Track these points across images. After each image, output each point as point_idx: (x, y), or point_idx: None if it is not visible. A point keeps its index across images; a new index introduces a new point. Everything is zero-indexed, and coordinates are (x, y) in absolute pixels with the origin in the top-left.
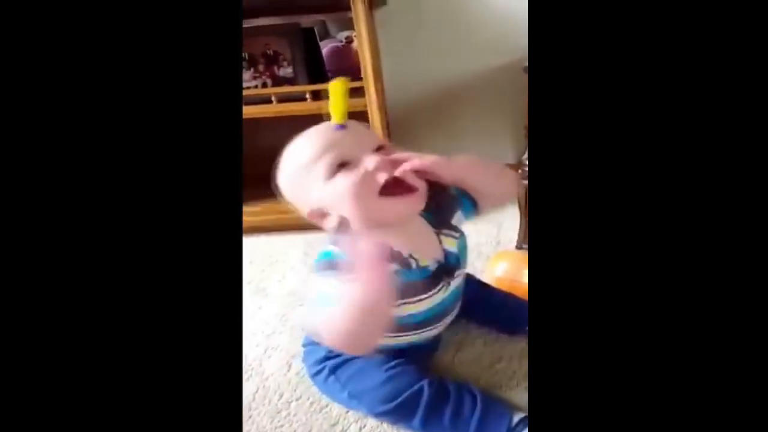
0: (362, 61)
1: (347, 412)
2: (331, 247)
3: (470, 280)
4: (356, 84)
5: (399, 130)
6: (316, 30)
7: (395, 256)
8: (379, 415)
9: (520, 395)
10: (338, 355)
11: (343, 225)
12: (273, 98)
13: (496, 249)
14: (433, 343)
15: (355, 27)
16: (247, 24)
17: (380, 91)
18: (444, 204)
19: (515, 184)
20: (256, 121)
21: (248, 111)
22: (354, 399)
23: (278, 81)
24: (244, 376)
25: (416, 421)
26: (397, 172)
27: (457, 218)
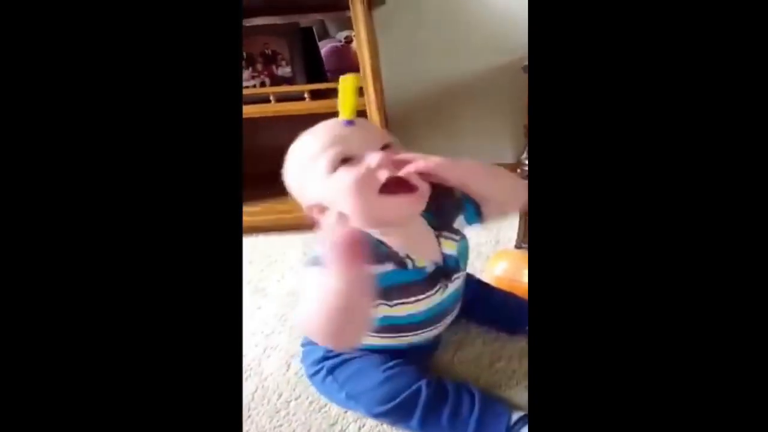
0: (361, 60)
1: (346, 411)
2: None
3: (470, 279)
4: None
5: (398, 130)
6: (314, 29)
7: (392, 256)
8: (377, 415)
9: (519, 394)
10: (336, 356)
11: (341, 221)
12: (271, 98)
13: (495, 248)
14: (433, 344)
15: (354, 27)
16: (245, 23)
17: (379, 91)
18: (446, 206)
19: (523, 193)
20: (254, 121)
21: (246, 110)
22: (352, 400)
23: (277, 80)
24: (243, 376)
25: (414, 421)
26: (402, 173)
27: (460, 222)
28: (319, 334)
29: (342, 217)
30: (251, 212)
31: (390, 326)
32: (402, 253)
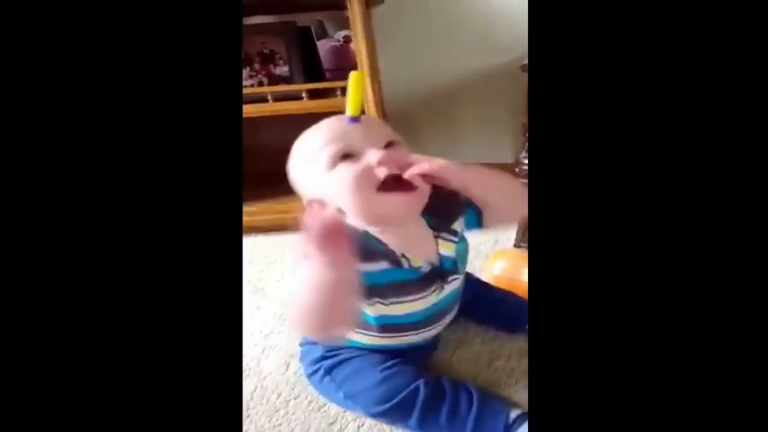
0: (359, 59)
1: (345, 411)
2: None
3: (469, 279)
4: None
5: (396, 128)
6: (313, 29)
7: (388, 254)
8: (375, 415)
9: (518, 393)
10: (334, 356)
11: (338, 216)
12: (269, 97)
13: (494, 248)
14: (432, 344)
15: (351, 26)
16: (243, 22)
17: (377, 90)
18: (447, 208)
19: (525, 204)
20: (251, 121)
21: (244, 110)
22: (349, 399)
23: (274, 80)
24: (243, 375)
25: (413, 421)
26: (406, 175)
27: (460, 224)
28: (303, 326)
29: (340, 213)
30: (249, 212)
31: (387, 326)
32: (398, 252)
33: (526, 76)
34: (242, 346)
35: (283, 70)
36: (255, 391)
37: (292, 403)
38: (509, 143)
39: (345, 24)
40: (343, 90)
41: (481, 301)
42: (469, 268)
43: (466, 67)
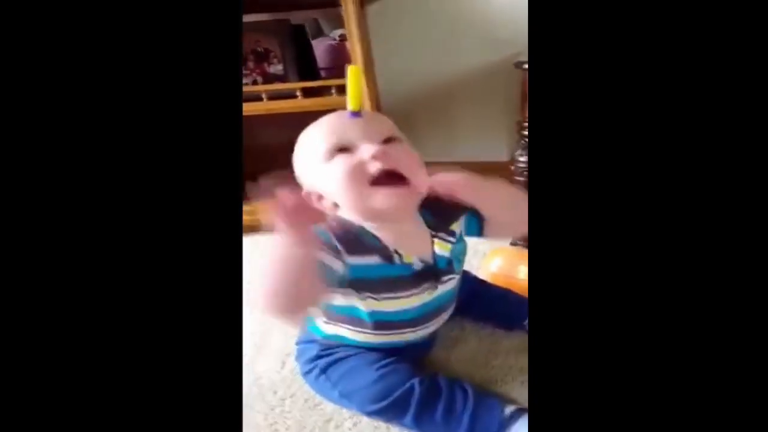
0: (353, 57)
1: (341, 408)
2: (322, 227)
3: (467, 277)
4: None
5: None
6: (307, 27)
7: (380, 249)
8: (371, 414)
9: (515, 390)
10: (329, 354)
11: (336, 210)
12: (263, 96)
13: (491, 245)
14: (429, 342)
15: (345, 24)
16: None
17: (373, 88)
18: (447, 208)
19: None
20: (246, 119)
21: None
22: (345, 398)
23: (268, 78)
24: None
25: (408, 418)
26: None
27: (460, 225)
28: (268, 306)
29: (336, 206)
30: (245, 211)
31: (381, 323)
32: (391, 248)
33: (519, 73)
34: (242, 344)
35: (277, 68)
36: (251, 389)
37: (288, 401)
38: (504, 141)
39: (340, 22)
40: (339, 88)
41: (479, 299)
42: (466, 266)
43: (463, 64)
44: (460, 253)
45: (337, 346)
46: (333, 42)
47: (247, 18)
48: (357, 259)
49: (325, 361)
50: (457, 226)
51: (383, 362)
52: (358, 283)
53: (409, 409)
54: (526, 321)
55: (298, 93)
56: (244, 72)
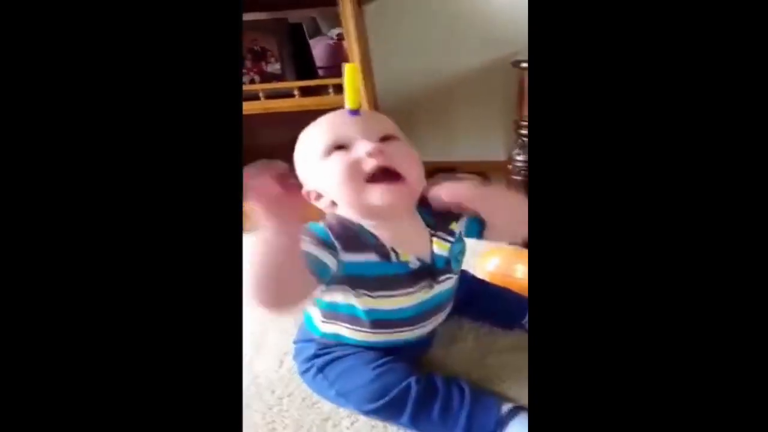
0: (351, 56)
1: (338, 407)
2: (321, 223)
3: (465, 276)
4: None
5: None
6: (305, 26)
7: (377, 247)
8: (368, 413)
9: (512, 389)
10: (327, 353)
11: (334, 208)
12: (261, 95)
13: (488, 245)
14: (427, 341)
15: (343, 23)
16: None
17: (370, 87)
18: (447, 209)
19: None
20: (243, 118)
21: None
22: (342, 397)
23: (266, 77)
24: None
25: (405, 418)
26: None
27: (460, 225)
28: (254, 296)
29: (333, 204)
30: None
31: (378, 321)
32: (388, 246)
33: (516, 72)
34: (242, 342)
35: (274, 67)
36: (249, 388)
37: (285, 400)
38: (502, 140)
39: (338, 21)
40: (336, 87)
41: (478, 298)
42: (464, 266)
43: (461, 64)
44: (458, 253)
45: (335, 345)
46: (331, 41)
47: (245, 16)
48: (353, 255)
49: (322, 360)
50: (457, 226)
51: (380, 361)
52: (354, 280)
53: (405, 408)
54: (526, 319)
55: (296, 92)
56: (242, 71)
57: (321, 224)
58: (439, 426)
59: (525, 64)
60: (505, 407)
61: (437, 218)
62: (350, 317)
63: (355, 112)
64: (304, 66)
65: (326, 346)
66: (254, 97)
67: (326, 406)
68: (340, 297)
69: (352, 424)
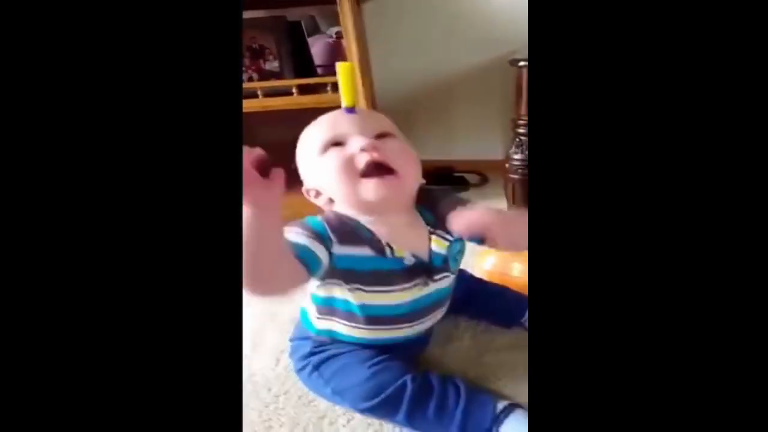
0: (349, 55)
1: (335, 405)
2: (319, 217)
3: (464, 275)
4: None
5: None
6: (304, 24)
7: (373, 242)
8: (363, 411)
9: (508, 387)
10: (322, 351)
11: (332, 205)
12: (259, 93)
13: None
14: (424, 338)
15: (341, 21)
16: None
17: (369, 85)
18: (447, 209)
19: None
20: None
21: None
22: (337, 395)
23: (264, 75)
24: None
25: (401, 416)
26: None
27: None
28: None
29: (331, 201)
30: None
31: (372, 317)
32: (383, 241)
33: (514, 70)
34: (242, 340)
35: (273, 65)
36: (246, 386)
37: (282, 398)
38: (500, 139)
39: (337, 19)
40: (334, 85)
41: (476, 297)
42: (461, 264)
43: (460, 63)
44: (457, 252)
45: (330, 343)
46: (329, 39)
47: (244, 14)
48: (348, 249)
49: (318, 357)
50: None
51: (375, 359)
52: (348, 274)
53: (401, 406)
54: (525, 318)
55: (294, 90)
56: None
57: (318, 218)
58: (434, 424)
59: (522, 63)
60: (501, 404)
61: (437, 216)
62: (345, 313)
63: (351, 110)
64: (302, 64)
65: (322, 344)
66: (252, 95)
67: (322, 404)
68: (335, 292)
69: (348, 422)
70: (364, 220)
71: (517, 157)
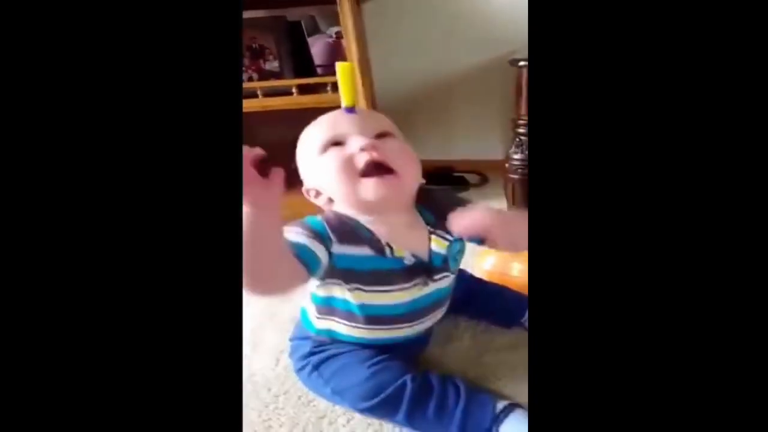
0: (349, 55)
1: (334, 405)
2: (319, 217)
3: (463, 276)
4: None
5: None
6: (303, 24)
7: (372, 242)
8: (363, 411)
9: (508, 387)
10: (322, 351)
11: (332, 205)
12: (258, 93)
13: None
14: (424, 338)
15: (341, 21)
16: None
17: (368, 85)
18: (447, 207)
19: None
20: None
21: None
22: (337, 395)
23: (264, 75)
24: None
25: (400, 416)
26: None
27: None
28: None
29: (331, 201)
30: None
31: (372, 317)
32: (383, 241)
33: (514, 70)
34: (242, 340)
35: (273, 65)
36: (245, 386)
37: (281, 398)
38: (499, 139)
39: (337, 19)
40: (334, 85)
41: (476, 297)
42: (461, 264)
43: (460, 63)
44: (457, 252)
45: (330, 343)
46: (329, 39)
47: (244, 14)
48: (348, 248)
49: (317, 357)
50: None
51: (375, 359)
52: (348, 274)
53: (401, 406)
54: (525, 318)
55: (294, 90)
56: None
57: (318, 217)
58: (434, 424)
59: (522, 63)
60: (500, 404)
61: (437, 216)
62: (345, 313)
63: (351, 109)
64: (302, 64)
65: (321, 344)
66: (252, 94)
67: (322, 404)
68: (335, 292)
69: (347, 422)
70: (364, 219)
71: (517, 157)
